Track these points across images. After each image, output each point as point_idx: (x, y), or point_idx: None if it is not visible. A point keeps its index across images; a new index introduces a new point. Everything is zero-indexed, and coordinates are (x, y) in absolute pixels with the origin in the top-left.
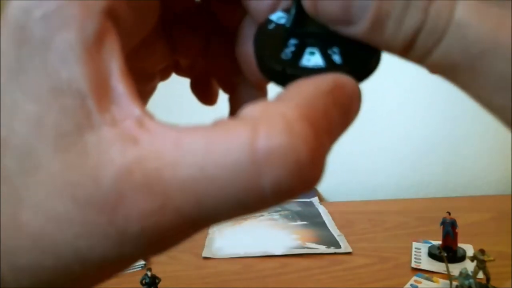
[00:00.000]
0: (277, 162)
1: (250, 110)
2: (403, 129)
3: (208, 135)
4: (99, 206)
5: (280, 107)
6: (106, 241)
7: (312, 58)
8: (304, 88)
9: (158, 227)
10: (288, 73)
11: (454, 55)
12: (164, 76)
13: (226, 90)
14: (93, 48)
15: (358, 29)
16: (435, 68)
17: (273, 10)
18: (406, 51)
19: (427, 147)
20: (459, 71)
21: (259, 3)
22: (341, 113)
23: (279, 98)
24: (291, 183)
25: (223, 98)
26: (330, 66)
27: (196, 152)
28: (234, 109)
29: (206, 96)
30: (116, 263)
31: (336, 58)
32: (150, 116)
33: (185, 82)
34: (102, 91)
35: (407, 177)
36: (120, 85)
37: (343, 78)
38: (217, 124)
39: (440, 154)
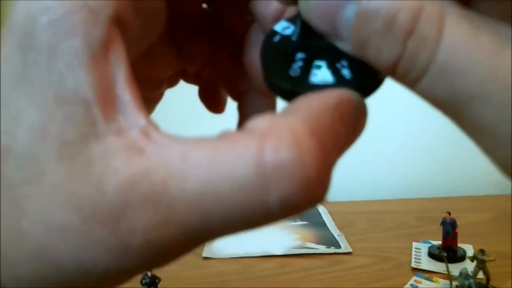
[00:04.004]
0: (285, 176)
1: (257, 123)
2: (404, 129)
3: (214, 148)
4: (102, 217)
5: (287, 121)
6: (109, 254)
7: (321, 74)
8: (311, 102)
9: (161, 241)
10: (297, 91)
11: (436, 94)
12: (172, 83)
13: (234, 98)
14: (100, 55)
15: (348, 47)
16: (424, 99)
17: (279, 15)
18: (392, 76)
19: (427, 147)
20: (444, 110)
21: (266, 9)
22: (347, 128)
23: (286, 112)
24: (298, 199)
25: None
26: (339, 82)
27: (203, 165)
28: (243, 117)
29: (214, 103)
30: (119, 276)
31: (345, 72)
32: (156, 127)
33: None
34: (107, 100)
35: (407, 177)
36: (126, 93)
37: (349, 93)
38: (223, 136)
39: (440, 154)
